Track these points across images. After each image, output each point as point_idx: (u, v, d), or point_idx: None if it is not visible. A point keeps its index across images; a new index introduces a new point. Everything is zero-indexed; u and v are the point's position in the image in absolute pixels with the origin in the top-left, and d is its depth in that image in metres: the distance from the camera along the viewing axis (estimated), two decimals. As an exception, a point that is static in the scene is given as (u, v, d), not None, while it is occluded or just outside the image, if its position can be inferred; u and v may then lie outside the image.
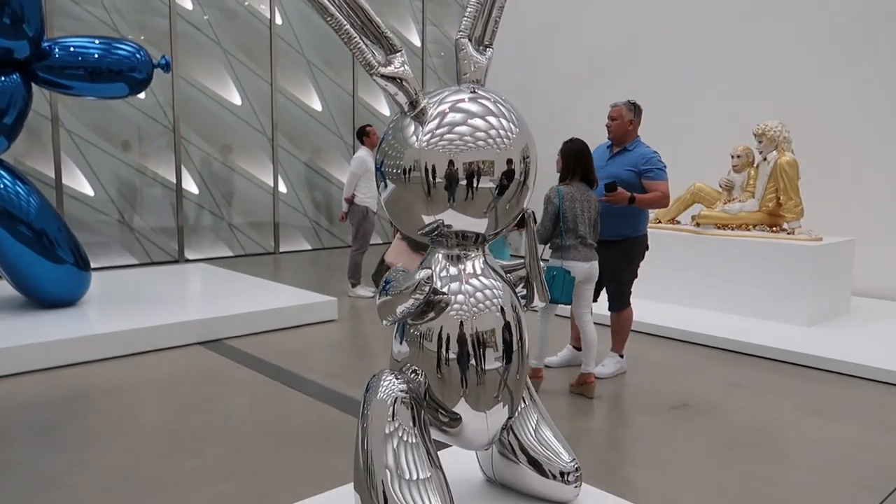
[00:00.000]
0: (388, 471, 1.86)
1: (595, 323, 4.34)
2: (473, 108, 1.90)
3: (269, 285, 7.13)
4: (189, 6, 9.54)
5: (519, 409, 2.19)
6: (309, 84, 10.94)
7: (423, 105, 1.90)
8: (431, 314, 1.97)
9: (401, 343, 2.05)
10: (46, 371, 4.55)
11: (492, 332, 1.98)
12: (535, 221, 2.09)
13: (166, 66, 5.95)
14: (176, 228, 9.48)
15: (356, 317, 6.44)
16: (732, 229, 6.31)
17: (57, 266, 5.48)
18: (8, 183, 5.33)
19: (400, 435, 1.90)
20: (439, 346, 1.96)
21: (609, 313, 4.62)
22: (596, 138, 4.75)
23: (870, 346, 5.10)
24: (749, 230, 6.25)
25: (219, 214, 10.03)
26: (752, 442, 3.60)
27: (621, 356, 4.65)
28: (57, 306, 5.59)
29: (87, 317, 5.49)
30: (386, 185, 1.97)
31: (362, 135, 7.22)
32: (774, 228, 6.20)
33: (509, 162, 1.89)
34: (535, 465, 2.18)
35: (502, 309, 2.00)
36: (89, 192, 8.75)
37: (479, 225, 1.96)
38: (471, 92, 1.95)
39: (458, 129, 1.86)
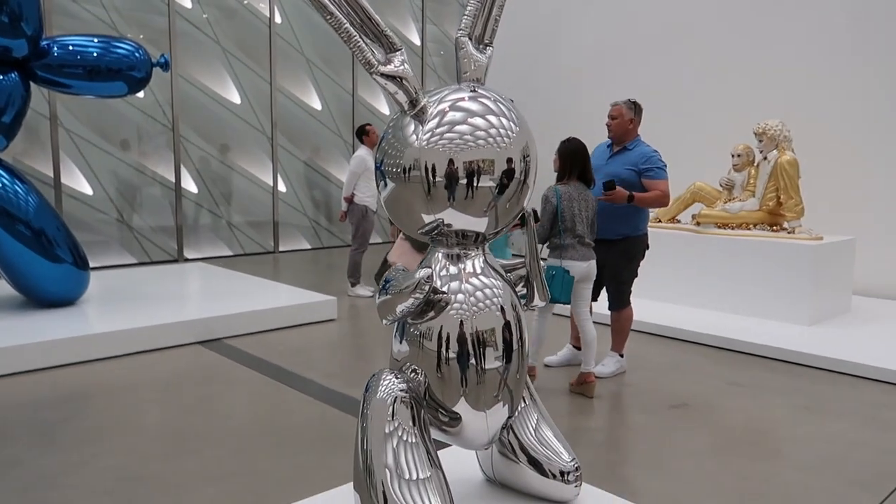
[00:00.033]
0: (387, 470, 1.85)
1: (595, 322, 4.34)
2: (473, 106, 1.89)
3: (268, 285, 7.13)
4: (188, 5, 9.53)
5: (519, 408, 2.18)
6: (308, 83, 10.93)
7: (422, 104, 1.89)
8: (431, 313, 1.96)
9: (400, 342, 2.05)
10: (45, 370, 4.55)
11: (492, 332, 1.97)
12: (536, 220, 2.08)
13: (165, 65, 5.94)
14: (175, 227, 9.47)
15: (356, 316, 6.43)
16: (733, 228, 6.31)
17: (56, 265, 5.48)
18: (6, 182, 5.32)
19: (400, 434, 1.90)
20: (439, 346, 1.95)
21: (609, 312, 4.62)
22: (596, 137, 4.74)
23: (870, 346, 5.10)
24: (749, 229, 6.24)
25: (218, 213, 10.02)
26: (752, 441, 3.60)
27: (621, 355, 4.65)
28: (56, 306, 5.58)
29: (85, 316, 5.48)
30: (386, 184, 1.96)
31: (362, 134, 7.22)
32: (775, 228, 6.20)
33: (509, 161, 1.88)
34: (535, 464, 2.17)
35: (502, 308, 2.00)
36: (88, 191, 8.75)
37: (479, 224, 1.95)
38: (471, 91, 1.94)
39: (458, 127, 1.85)
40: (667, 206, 4.87)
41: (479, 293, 1.98)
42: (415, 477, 1.85)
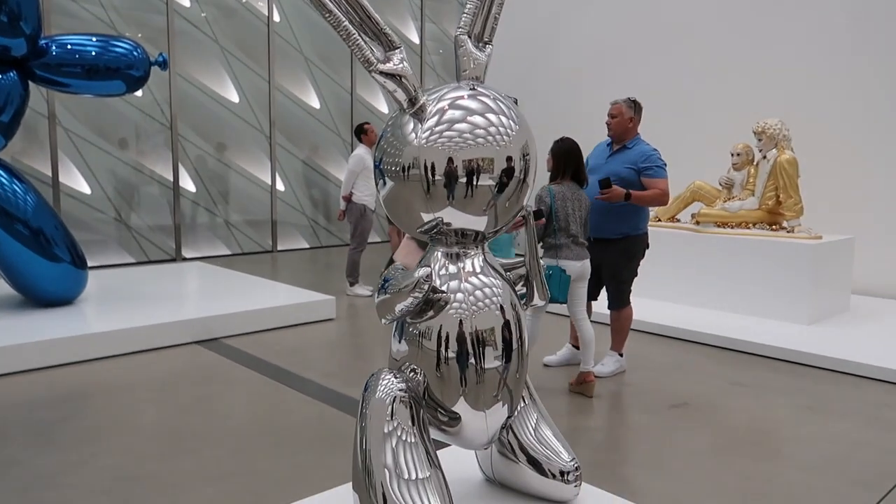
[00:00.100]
0: (386, 470, 1.84)
1: (595, 322, 4.33)
2: (473, 105, 1.88)
3: (266, 284, 7.11)
4: (186, 3, 9.51)
5: (518, 408, 2.18)
6: (307, 81, 10.91)
7: (422, 102, 1.89)
8: (430, 313, 1.95)
9: (399, 342, 2.04)
10: (43, 370, 4.53)
11: (491, 331, 1.96)
12: (537, 219, 2.07)
13: (163, 64, 5.93)
14: (173, 227, 9.46)
15: (354, 315, 6.42)
16: (732, 227, 6.30)
17: (54, 264, 5.46)
18: (5, 181, 5.31)
19: (399, 434, 1.89)
20: (438, 345, 1.95)
21: (609, 312, 4.61)
22: (596, 137, 4.73)
23: (869, 345, 5.10)
24: (749, 228, 6.24)
25: (216, 213, 10.01)
26: (752, 440, 3.59)
27: (621, 355, 4.64)
28: (54, 305, 5.57)
29: (84, 315, 5.47)
30: (385, 183, 1.95)
31: (360, 132, 7.21)
32: (774, 227, 6.19)
33: (509, 159, 1.87)
34: (535, 464, 2.17)
35: (502, 307, 1.99)
36: (86, 190, 8.73)
37: (478, 223, 1.95)
38: (470, 89, 1.93)
39: (457, 126, 1.85)
40: (666, 204, 4.86)
41: (478, 292, 1.97)
42: (414, 477, 1.85)
